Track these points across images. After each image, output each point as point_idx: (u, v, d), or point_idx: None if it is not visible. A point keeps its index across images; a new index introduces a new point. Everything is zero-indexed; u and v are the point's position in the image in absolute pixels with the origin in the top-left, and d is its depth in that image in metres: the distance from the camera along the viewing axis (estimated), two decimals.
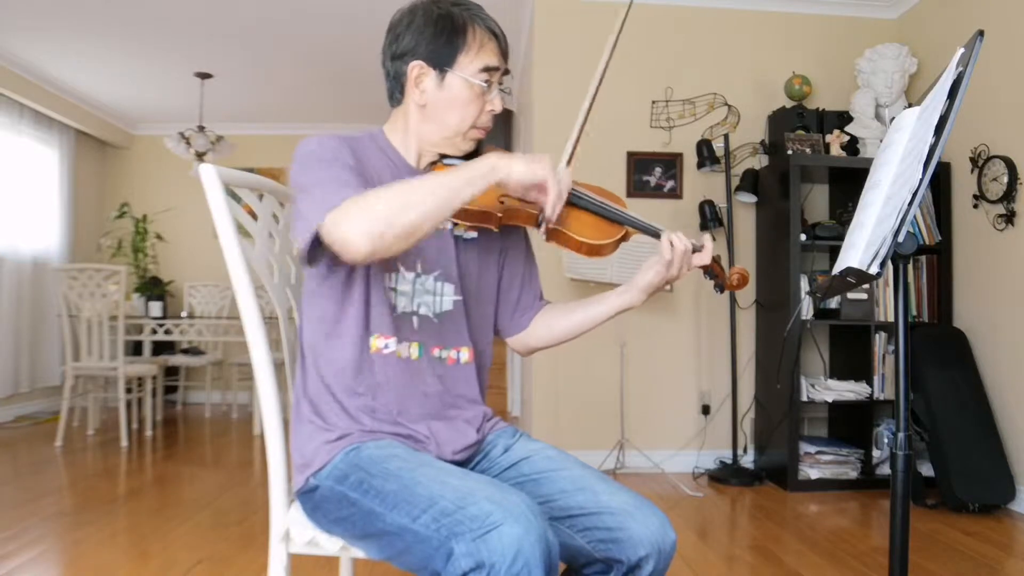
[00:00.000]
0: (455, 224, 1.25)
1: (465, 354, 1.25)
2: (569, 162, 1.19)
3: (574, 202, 1.22)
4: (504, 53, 1.22)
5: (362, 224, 0.97)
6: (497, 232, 1.27)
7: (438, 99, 1.18)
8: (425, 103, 1.19)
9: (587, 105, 1.22)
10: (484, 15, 1.21)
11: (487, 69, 1.18)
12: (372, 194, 1.01)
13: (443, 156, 1.24)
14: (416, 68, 1.18)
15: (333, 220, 0.99)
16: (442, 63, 1.17)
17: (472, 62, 1.17)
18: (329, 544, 1.13)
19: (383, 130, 1.27)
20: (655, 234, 1.24)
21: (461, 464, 1.19)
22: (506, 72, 1.23)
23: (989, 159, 3.27)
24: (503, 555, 0.87)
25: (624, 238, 1.24)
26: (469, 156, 1.24)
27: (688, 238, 1.24)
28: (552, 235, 1.21)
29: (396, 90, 1.23)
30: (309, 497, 1.13)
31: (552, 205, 1.09)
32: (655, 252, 1.25)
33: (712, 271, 1.28)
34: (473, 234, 1.27)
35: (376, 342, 1.17)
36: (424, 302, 1.21)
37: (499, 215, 1.19)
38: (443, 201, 1.00)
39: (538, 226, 1.18)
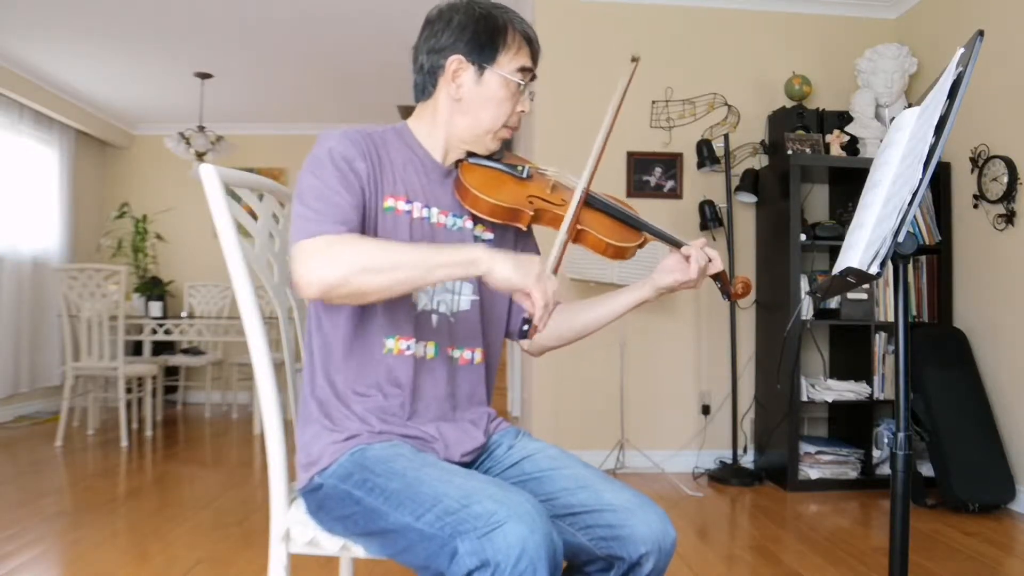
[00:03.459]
0: (475, 223, 1.27)
1: (478, 355, 1.26)
2: (556, 269, 1.13)
3: (598, 207, 1.27)
4: (536, 58, 1.25)
5: (321, 271, 1.00)
6: (515, 233, 1.30)
7: (474, 94, 1.21)
8: (460, 97, 1.21)
9: (572, 211, 1.21)
10: (520, 19, 1.24)
11: (522, 70, 1.22)
12: (345, 243, 1.03)
13: (470, 154, 1.26)
14: (455, 62, 1.20)
15: (301, 252, 1.03)
16: (482, 60, 1.20)
17: (511, 62, 1.21)
18: (329, 544, 1.13)
19: (408, 125, 1.27)
20: (677, 245, 1.28)
21: (467, 466, 1.19)
22: (535, 77, 1.25)
23: (989, 159, 3.27)
24: (508, 554, 0.87)
25: (642, 244, 1.29)
26: (493, 156, 1.27)
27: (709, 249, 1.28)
28: (579, 237, 1.25)
29: (428, 84, 1.24)
30: (313, 495, 1.13)
31: (540, 315, 1.02)
32: (658, 257, 1.28)
33: (720, 278, 1.32)
34: (490, 235, 1.29)
35: (397, 344, 1.17)
36: (443, 300, 1.22)
37: (529, 213, 1.22)
38: (410, 280, 1.02)
39: (520, 337, 1.19)
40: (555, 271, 1.12)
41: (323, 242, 1.03)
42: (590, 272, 3.51)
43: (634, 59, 1.32)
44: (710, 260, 1.27)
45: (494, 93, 1.20)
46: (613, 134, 1.28)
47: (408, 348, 1.17)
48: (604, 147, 1.25)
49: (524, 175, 1.26)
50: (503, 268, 1.00)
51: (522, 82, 1.22)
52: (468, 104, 1.21)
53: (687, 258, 1.26)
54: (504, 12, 1.22)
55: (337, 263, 1.00)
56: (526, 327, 1.07)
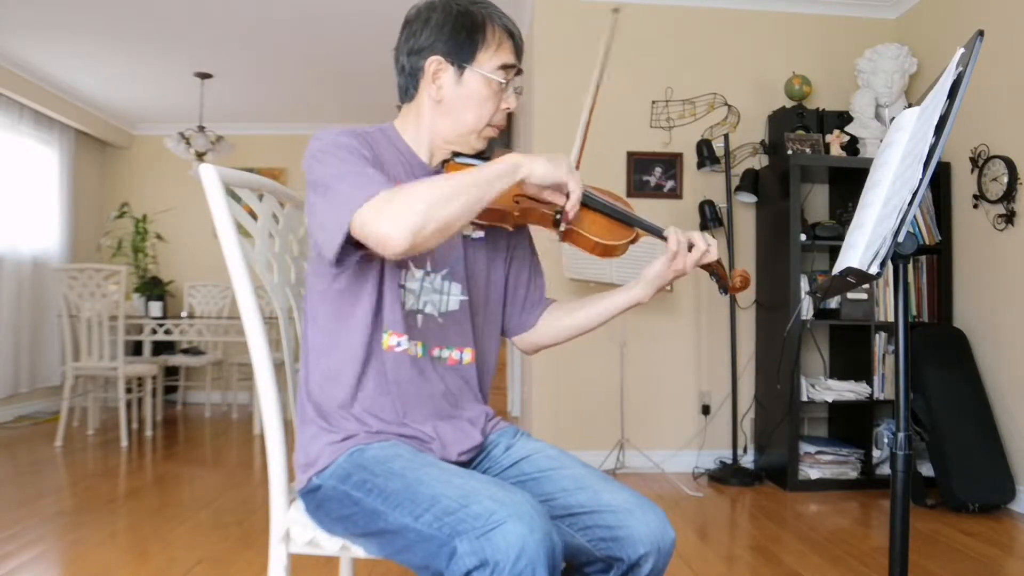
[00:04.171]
0: None
1: (468, 355, 1.25)
2: (577, 165, 1.18)
3: (588, 204, 1.24)
4: (519, 52, 1.22)
5: (401, 219, 0.97)
6: (506, 232, 1.28)
7: (455, 95, 1.18)
8: (441, 99, 1.19)
9: (587, 109, 1.21)
10: (501, 13, 1.21)
11: (504, 67, 1.19)
12: (404, 190, 1.00)
13: (456, 154, 1.24)
14: (434, 63, 1.18)
15: (364, 218, 0.99)
16: (461, 59, 1.17)
17: (491, 59, 1.18)
18: (329, 544, 1.13)
19: (394, 126, 1.26)
20: (659, 233, 1.25)
21: (464, 465, 1.19)
22: (519, 72, 1.23)
23: (989, 159, 3.27)
24: (507, 553, 0.87)
25: (634, 240, 1.26)
26: (480, 155, 1.24)
27: (690, 233, 1.25)
28: (567, 235, 1.22)
29: (410, 86, 1.22)
30: (312, 496, 1.13)
31: (573, 205, 1.11)
32: (655, 255, 1.27)
33: (716, 272, 1.29)
34: (480, 234, 1.27)
35: (389, 339, 1.16)
36: (430, 300, 1.21)
37: (515, 214, 1.20)
38: (475, 198, 1.02)
39: (555, 226, 1.19)
40: (576, 166, 1.19)
41: (381, 200, 0.99)
42: (588, 272, 3.51)
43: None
44: (691, 245, 1.21)
45: (475, 93, 1.18)
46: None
47: (399, 345, 1.17)
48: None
49: None
50: (542, 167, 1.07)
51: (504, 80, 1.19)
52: (450, 105, 1.19)
53: (668, 242, 1.21)
54: (484, 7, 1.19)
55: (409, 208, 0.97)
56: (559, 216, 1.15)
